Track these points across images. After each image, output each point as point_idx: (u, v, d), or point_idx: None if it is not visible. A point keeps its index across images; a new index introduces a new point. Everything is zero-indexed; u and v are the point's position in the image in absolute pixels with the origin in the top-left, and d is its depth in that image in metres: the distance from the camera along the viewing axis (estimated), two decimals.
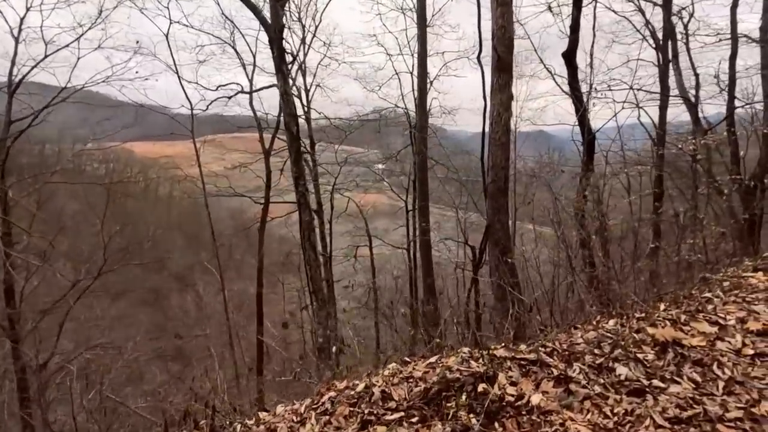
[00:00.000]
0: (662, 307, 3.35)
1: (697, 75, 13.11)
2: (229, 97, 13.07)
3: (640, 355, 2.62)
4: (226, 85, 12.98)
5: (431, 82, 17.59)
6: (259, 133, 14.76)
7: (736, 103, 10.80)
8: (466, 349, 3.22)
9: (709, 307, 3.22)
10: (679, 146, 10.17)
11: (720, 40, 13.34)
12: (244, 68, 14.67)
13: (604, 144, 16.31)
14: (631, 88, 12.99)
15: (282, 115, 8.81)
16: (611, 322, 3.18)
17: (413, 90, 15.80)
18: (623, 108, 11.55)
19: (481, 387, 2.43)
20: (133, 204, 35.67)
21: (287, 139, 8.74)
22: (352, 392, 2.53)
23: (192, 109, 12.58)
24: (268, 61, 14.81)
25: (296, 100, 17.53)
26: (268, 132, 14.79)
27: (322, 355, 8.72)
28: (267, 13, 8.70)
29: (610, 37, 15.55)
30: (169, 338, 23.61)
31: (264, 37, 15.26)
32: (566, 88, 11.21)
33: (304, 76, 17.71)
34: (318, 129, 18.64)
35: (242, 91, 13.32)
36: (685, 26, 14.54)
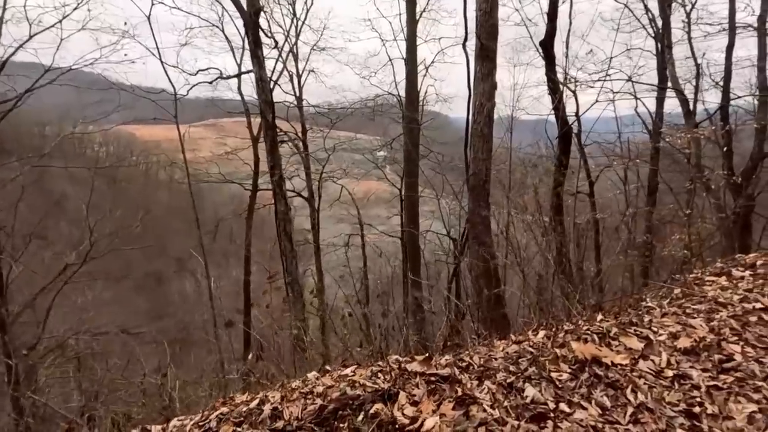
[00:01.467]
0: (599, 317, 3.18)
1: (698, 65, 12.69)
2: (210, 82, 12.84)
3: (555, 375, 2.46)
4: (206, 69, 12.73)
5: (426, 69, 17.28)
6: (247, 119, 14.56)
7: (731, 96, 10.42)
8: (394, 357, 3.08)
9: (646, 318, 3.04)
10: (667, 140, 9.85)
11: (723, 29, 12.92)
12: (233, 52, 14.43)
13: (605, 136, 16.03)
14: (629, 79, 12.63)
15: (258, 102, 8.58)
16: (541, 333, 3.02)
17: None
18: (612, 100, 11.18)
19: (375, 408, 2.29)
20: (133, 188, 35.78)
21: (263, 126, 8.53)
22: (244, 408, 2.40)
23: (175, 93, 12.36)
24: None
25: (289, 86, 17.44)
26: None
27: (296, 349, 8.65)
28: None
29: (610, 24, 15.14)
30: (163, 324, 23.76)
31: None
32: (561, 76, 10.94)
33: (296, 61, 17.46)
34: (312, 115, 18.46)
35: (222, 77, 13.10)
36: (687, 15, 14.10)
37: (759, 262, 4.43)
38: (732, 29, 10.61)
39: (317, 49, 17.64)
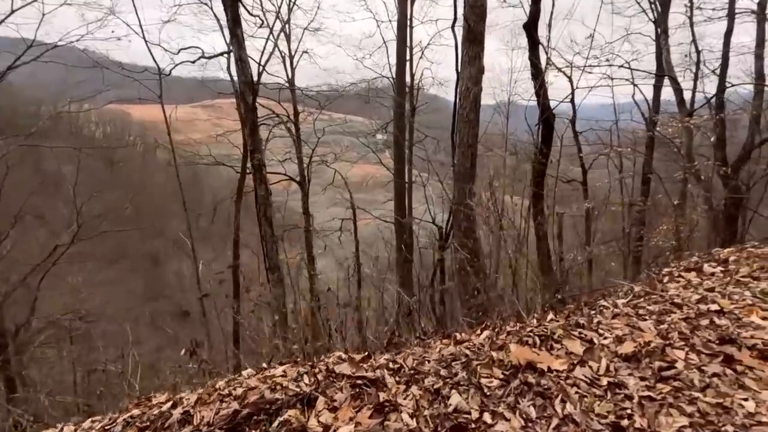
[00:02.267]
0: (549, 317, 3.04)
1: (698, 51, 12.32)
2: (192, 62, 12.58)
3: (485, 381, 2.33)
4: (188, 48, 12.45)
5: (422, 51, 16.94)
6: (236, 100, 14.30)
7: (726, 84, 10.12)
8: (336, 355, 2.97)
9: (596, 320, 2.91)
10: (658, 129, 9.60)
11: (725, 15, 12.51)
12: (221, 30, 14.09)
13: (603, 123, 15.75)
14: (626, 66, 12.28)
15: (238, 83, 8.35)
16: (485, 334, 2.89)
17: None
18: (609, 86, 10.87)
19: (287, 414, 2.17)
20: (130, 169, 35.62)
21: (243, 109, 8.30)
22: (156, 411, 2.29)
23: (160, 72, 12.11)
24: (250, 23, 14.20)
25: (281, 67, 17.15)
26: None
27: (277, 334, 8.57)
28: None
29: (609, 8, 14.73)
30: (158, 305, 23.86)
31: None
32: (559, 61, 10.64)
33: (288, 41, 17.15)
34: (307, 98, 18.19)
35: (204, 56, 12.82)
36: None
37: (732, 258, 4.28)
38: (731, 15, 10.26)
39: (311, 30, 17.34)
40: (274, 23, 15.16)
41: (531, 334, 2.71)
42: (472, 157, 7.18)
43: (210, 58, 11.93)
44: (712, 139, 8.75)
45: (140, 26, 11.89)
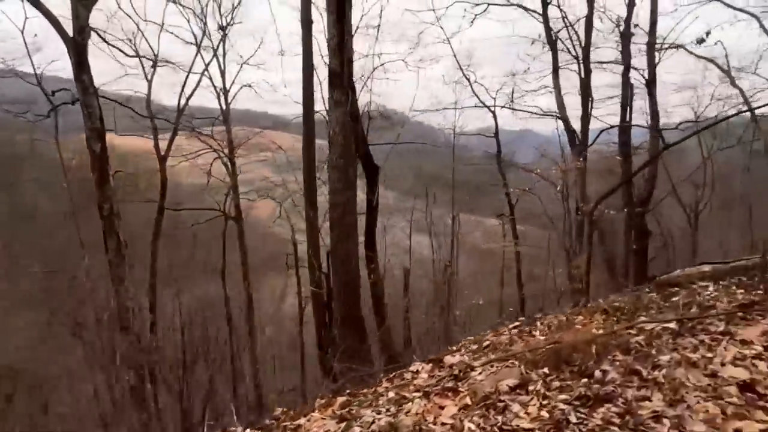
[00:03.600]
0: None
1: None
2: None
3: None
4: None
5: (370, 80, 17.25)
6: (154, 138, 13.88)
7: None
8: None
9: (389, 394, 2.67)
10: (537, 171, 9.86)
11: (662, 48, 13.15)
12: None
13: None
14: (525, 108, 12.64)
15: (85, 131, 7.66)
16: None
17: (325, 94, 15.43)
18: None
19: None
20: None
21: (90, 158, 7.45)
22: None
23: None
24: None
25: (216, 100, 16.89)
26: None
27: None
28: None
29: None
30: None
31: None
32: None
33: (223, 76, 16.93)
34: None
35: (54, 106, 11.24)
36: (621, 32, 14.42)
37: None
38: (626, 51, 10.76)
39: (251, 64, 17.16)
40: (195, 58, 14.89)
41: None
42: (347, 201, 6.95)
43: (56, 107, 10.65)
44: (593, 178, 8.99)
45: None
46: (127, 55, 12.17)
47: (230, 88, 17.19)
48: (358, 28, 16.94)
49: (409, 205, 29.12)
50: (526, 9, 11.17)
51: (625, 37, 10.34)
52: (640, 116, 11.94)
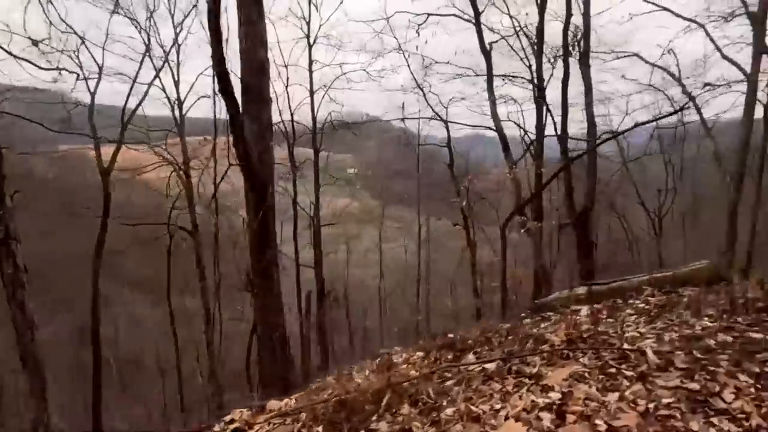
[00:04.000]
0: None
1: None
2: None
3: None
4: None
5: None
6: (96, 150, 13.48)
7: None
8: None
9: None
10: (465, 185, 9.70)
11: (618, 57, 13.56)
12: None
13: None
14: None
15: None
16: None
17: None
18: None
19: None
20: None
21: None
22: None
23: None
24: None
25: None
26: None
27: None
28: None
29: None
30: None
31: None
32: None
33: (177, 87, 16.66)
34: None
35: None
36: (578, 42, 14.58)
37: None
38: (566, 62, 10.70)
39: (208, 75, 16.94)
40: (138, 70, 14.53)
41: None
42: (263, 217, 6.69)
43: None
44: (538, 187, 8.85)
45: None
46: (40, 68, 11.73)
47: (185, 98, 16.98)
48: (317, 38, 17.26)
49: (387, 212, 29.08)
50: (461, 18, 11.11)
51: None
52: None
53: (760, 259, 17.58)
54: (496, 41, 11.03)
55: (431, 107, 14.67)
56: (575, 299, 4.08)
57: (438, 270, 23.20)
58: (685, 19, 14.86)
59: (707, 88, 12.63)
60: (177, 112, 17.18)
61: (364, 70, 16.98)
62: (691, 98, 16.29)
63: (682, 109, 9.42)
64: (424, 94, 14.72)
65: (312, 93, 18.21)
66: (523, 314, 4.13)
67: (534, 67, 12.67)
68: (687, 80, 13.80)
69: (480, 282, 16.34)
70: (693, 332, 2.75)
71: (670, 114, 10.79)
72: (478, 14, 10.71)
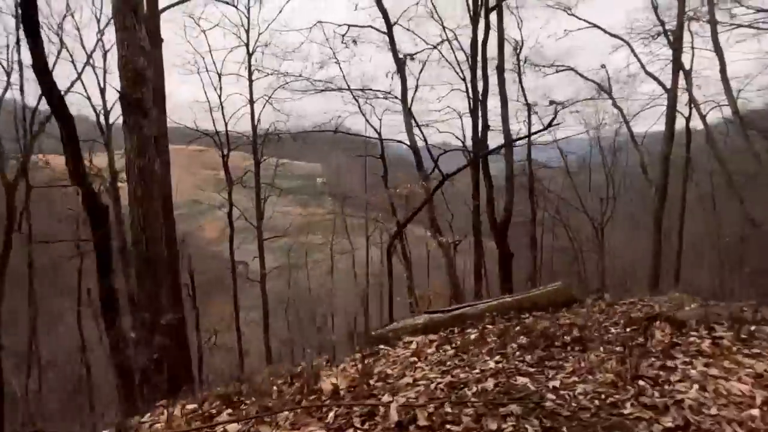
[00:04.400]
0: None
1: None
2: None
3: None
4: None
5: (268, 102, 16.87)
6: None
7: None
8: None
9: None
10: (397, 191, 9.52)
11: (557, 71, 14.09)
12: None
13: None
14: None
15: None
16: None
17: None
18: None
19: None
20: None
21: None
22: None
23: None
24: None
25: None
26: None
27: None
28: None
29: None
30: None
31: None
32: None
33: (102, 95, 15.98)
34: None
35: None
36: (517, 55, 15.03)
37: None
38: (485, 79, 10.62)
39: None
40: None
41: None
42: (148, 238, 6.21)
43: None
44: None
45: None
46: None
47: (111, 108, 16.24)
48: (256, 46, 16.86)
49: (354, 222, 28.59)
50: (377, 29, 10.99)
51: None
52: None
53: (689, 269, 18.02)
54: (414, 54, 10.97)
55: (367, 120, 14.52)
56: (412, 329, 3.78)
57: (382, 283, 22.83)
58: (613, 36, 15.43)
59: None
60: (105, 124, 16.50)
61: (307, 79, 16.67)
62: (620, 110, 16.74)
63: (550, 125, 9.53)
64: (360, 106, 14.56)
65: (252, 102, 17.85)
66: (358, 347, 3.80)
67: (468, 79, 12.78)
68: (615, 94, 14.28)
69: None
70: (467, 376, 2.47)
71: (542, 130, 11.00)
72: (390, 27, 10.60)
